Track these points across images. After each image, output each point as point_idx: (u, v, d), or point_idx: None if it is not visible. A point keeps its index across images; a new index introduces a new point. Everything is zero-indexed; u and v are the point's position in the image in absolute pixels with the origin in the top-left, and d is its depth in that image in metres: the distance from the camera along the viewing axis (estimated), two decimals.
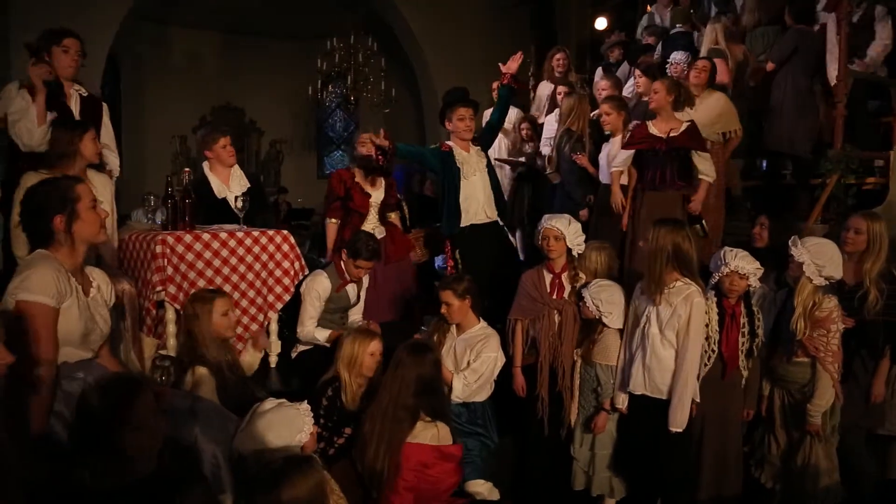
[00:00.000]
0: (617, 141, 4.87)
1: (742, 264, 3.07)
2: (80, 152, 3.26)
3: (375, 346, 3.12)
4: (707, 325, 3.13)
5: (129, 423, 1.81)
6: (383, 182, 4.48)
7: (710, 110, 4.84)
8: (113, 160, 4.09)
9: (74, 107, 3.83)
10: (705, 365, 3.17)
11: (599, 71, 6.93)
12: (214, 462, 2.40)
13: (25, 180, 3.07)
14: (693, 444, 3.19)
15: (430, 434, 2.82)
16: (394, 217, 4.67)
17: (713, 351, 3.16)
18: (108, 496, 1.76)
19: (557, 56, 6.62)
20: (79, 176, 2.67)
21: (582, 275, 3.50)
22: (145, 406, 1.87)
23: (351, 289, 3.91)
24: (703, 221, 4.42)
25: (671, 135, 4.25)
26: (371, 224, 4.40)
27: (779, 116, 5.24)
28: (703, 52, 5.63)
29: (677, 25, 6.55)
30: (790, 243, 3.21)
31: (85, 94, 3.92)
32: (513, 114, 6.54)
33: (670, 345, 3.08)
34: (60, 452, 2.07)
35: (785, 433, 3.36)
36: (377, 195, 4.44)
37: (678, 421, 3.05)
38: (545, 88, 6.67)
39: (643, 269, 3.18)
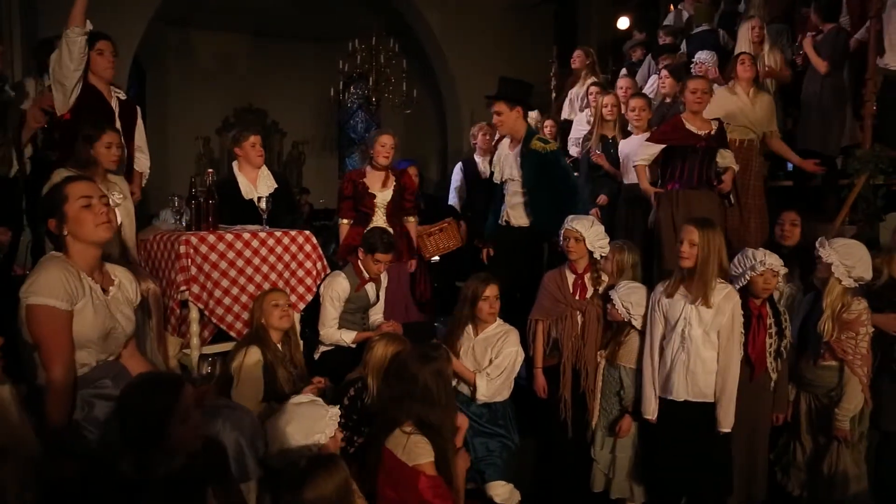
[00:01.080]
0: (638, 139, 4.84)
1: (774, 261, 3.06)
2: (96, 160, 3.30)
3: (379, 349, 3.08)
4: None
5: (175, 417, 1.86)
6: (393, 183, 4.44)
7: (766, 108, 4.80)
8: (144, 162, 4.18)
9: (115, 109, 3.88)
10: None
11: (624, 71, 6.91)
12: (238, 449, 2.42)
13: (54, 177, 3.13)
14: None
15: (397, 443, 2.64)
16: (412, 221, 4.63)
17: (739, 353, 3.11)
18: (143, 489, 1.79)
19: (575, 54, 6.64)
20: (74, 175, 2.61)
21: (604, 276, 3.48)
22: (188, 400, 1.92)
23: (370, 288, 3.90)
24: (731, 195, 4.50)
25: (710, 133, 4.26)
26: (376, 224, 4.34)
27: (812, 115, 5.16)
28: (743, 48, 5.54)
29: (703, 24, 6.47)
30: (818, 244, 3.17)
31: (123, 98, 3.99)
32: (534, 115, 6.54)
33: (712, 346, 3.03)
34: (83, 455, 2.10)
35: (811, 439, 3.31)
36: (383, 196, 4.41)
37: (729, 421, 3.02)
38: (576, 89, 6.66)
39: (686, 269, 3.07)
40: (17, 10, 6.84)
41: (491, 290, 3.33)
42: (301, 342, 3.92)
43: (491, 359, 3.32)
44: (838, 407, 3.10)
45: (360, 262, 3.83)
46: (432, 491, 2.56)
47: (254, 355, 3.11)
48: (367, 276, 3.84)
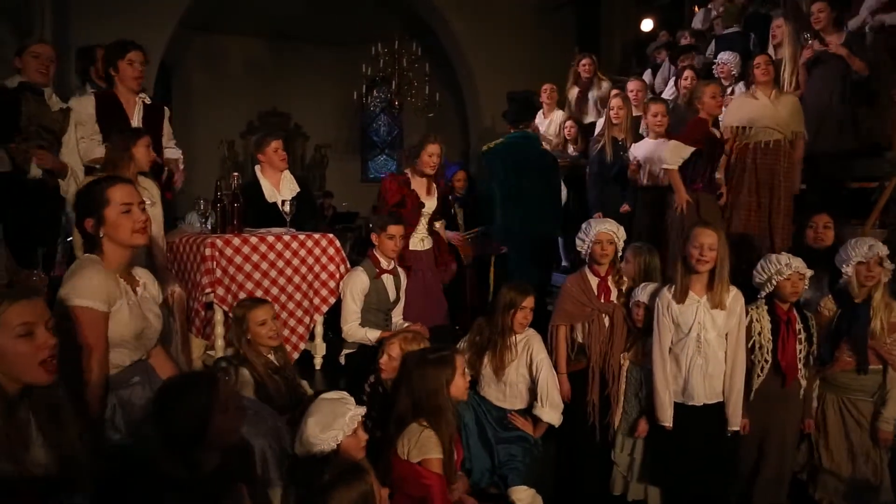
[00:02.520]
0: (654, 143, 4.80)
1: (799, 264, 3.05)
2: (133, 158, 3.34)
3: (392, 349, 3.02)
4: (759, 334, 3.08)
5: (216, 409, 1.87)
6: (435, 190, 4.39)
7: (790, 108, 4.70)
8: (175, 151, 4.25)
9: (137, 115, 3.91)
10: (758, 376, 3.10)
11: (647, 73, 6.88)
12: (262, 458, 2.43)
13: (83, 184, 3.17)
14: (751, 458, 3.16)
15: (410, 436, 2.58)
16: (439, 226, 4.55)
17: (766, 361, 3.09)
18: (190, 487, 1.81)
19: (584, 62, 6.64)
20: (117, 176, 2.61)
21: (626, 277, 3.47)
22: (225, 392, 1.95)
23: (389, 283, 3.86)
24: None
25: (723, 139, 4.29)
26: (420, 234, 4.29)
27: (827, 117, 5.09)
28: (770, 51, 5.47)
29: (732, 26, 6.39)
30: (878, 251, 3.16)
31: (148, 102, 4.00)
32: (558, 116, 6.53)
33: (724, 347, 3.05)
34: (114, 453, 2.12)
35: (842, 444, 3.24)
36: (430, 204, 4.34)
37: (737, 420, 3.05)
38: (590, 92, 6.63)
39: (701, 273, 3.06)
40: (50, 15, 6.98)
41: (528, 302, 3.30)
42: (324, 345, 3.96)
43: (528, 364, 3.32)
44: (883, 412, 3.08)
45: (376, 252, 3.81)
46: (439, 487, 2.53)
47: (243, 381, 2.93)
48: (383, 265, 3.82)
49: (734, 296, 3.04)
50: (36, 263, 3.54)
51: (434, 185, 4.38)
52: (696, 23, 7.32)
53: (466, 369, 3.05)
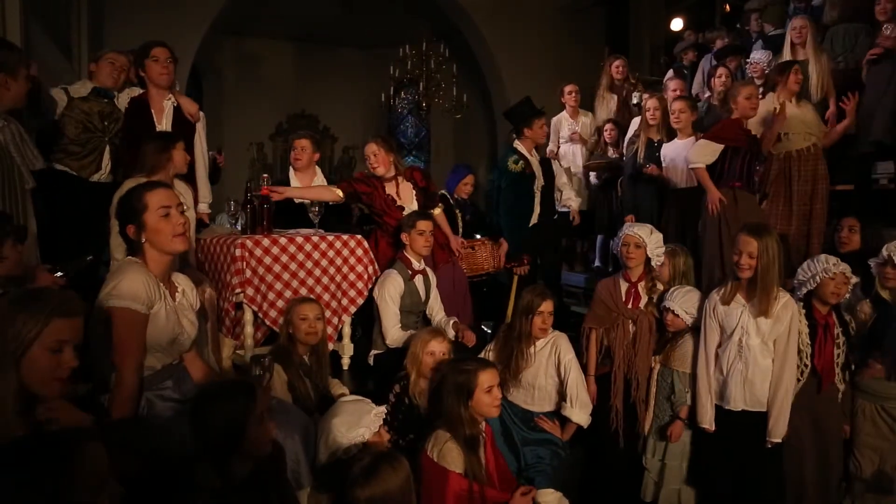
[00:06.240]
0: (683, 142, 4.75)
1: (847, 269, 3.00)
2: (172, 160, 3.38)
3: (435, 345, 3.02)
4: (799, 339, 3.03)
5: (252, 420, 1.87)
6: (411, 189, 4.32)
7: (813, 111, 4.67)
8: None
9: (166, 119, 3.93)
10: (798, 380, 3.04)
11: (670, 72, 6.79)
12: (294, 458, 2.45)
13: (123, 188, 3.22)
14: (794, 463, 3.09)
15: (434, 445, 2.57)
16: (437, 212, 4.38)
17: (806, 365, 3.03)
18: (224, 496, 1.81)
19: (616, 63, 6.59)
20: (155, 181, 2.63)
21: (660, 285, 3.43)
22: (263, 403, 1.94)
23: (420, 283, 3.88)
24: None
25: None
26: None
27: (883, 107, 4.95)
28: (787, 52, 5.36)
29: (772, 27, 6.27)
30: (887, 252, 3.09)
31: (177, 105, 3.99)
32: (588, 118, 6.50)
33: (770, 354, 2.98)
34: (145, 453, 2.15)
35: (873, 452, 3.17)
36: (410, 207, 4.24)
37: (780, 431, 2.97)
38: (612, 98, 6.59)
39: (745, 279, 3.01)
40: (85, 19, 7.12)
41: (546, 306, 3.26)
42: (352, 345, 3.98)
43: (557, 365, 3.29)
44: None
45: (406, 253, 3.85)
46: (455, 497, 2.50)
47: (278, 375, 2.95)
48: (415, 266, 3.84)
49: (784, 303, 2.96)
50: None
51: (407, 187, 4.30)
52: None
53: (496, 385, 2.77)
